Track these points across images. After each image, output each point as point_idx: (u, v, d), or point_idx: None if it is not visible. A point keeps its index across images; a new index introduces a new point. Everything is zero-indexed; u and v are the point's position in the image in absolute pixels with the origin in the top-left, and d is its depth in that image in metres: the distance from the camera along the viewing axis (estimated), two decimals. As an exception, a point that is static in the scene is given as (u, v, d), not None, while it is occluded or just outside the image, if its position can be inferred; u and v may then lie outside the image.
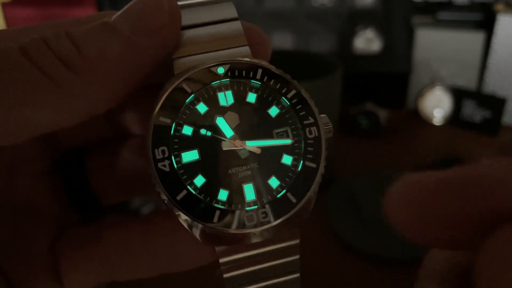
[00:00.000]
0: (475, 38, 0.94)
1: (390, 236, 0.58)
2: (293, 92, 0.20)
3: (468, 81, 0.96)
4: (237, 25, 0.21)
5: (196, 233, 0.19)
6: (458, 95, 0.92)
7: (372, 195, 0.66)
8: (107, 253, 0.20)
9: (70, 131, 0.22)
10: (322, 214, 0.62)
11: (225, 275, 0.20)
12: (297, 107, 0.20)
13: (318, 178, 0.19)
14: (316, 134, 0.20)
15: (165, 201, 0.18)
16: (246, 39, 0.21)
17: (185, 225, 0.18)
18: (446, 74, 0.96)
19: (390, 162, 0.79)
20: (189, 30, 0.20)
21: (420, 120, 0.95)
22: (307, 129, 0.20)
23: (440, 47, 0.96)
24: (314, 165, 0.19)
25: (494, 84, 0.93)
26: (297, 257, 0.20)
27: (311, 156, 0.19)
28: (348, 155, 0.78)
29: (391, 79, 1.01)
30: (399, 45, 0.97)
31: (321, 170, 0.19)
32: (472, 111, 0.91)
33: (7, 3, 0.71)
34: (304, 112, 0.20)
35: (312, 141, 0.20)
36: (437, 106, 0.93)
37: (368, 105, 0.89)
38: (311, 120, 0.20)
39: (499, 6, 0.93)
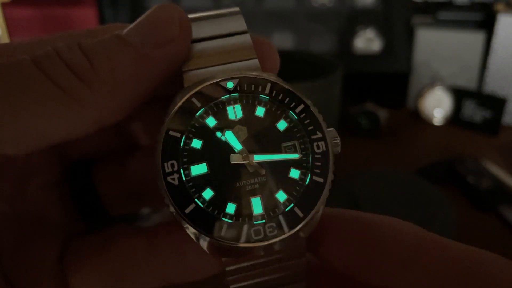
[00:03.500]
0: (475, 38, 0.94)
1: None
2: (301, 106, 0.20)
3: (468, 81, 0.96)
4: (246, 38, 0.21)
5: (204, 245, 0.19)
6: (458, 95, 0.92)
7: (372, 195, 0.66)
8: (114, 263, 0.21)
9: (79, 143, 0.23)
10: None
11: (232, 286, 0.20)
12: (305, 122, 0.20)
13: (325, 192, 0.19)
14: (324, 149, 0.20)
15: (174, 214, 0.18)
16: (255, 52, 0.21)
17: (193, 238, 0.19)
18: (446, 74, 0.96)
19: (390, 162, 0.79)
20: (199, 43, 0.21)
21: (420, 120, 0.94)
22: (315, 143, 0.20)
23: (440, 47, 0.96)
24: (321, 180, 0.19)
25: (494, 84, 0.93)
26: (303, 267, 0.20)
27: (318, 171, 0.19)
28: (348, 155, 0.78)
29: (391, 79, 1.01)
30: (399, 45, 0.97)
31: (329, 185, 0.19)
32: (472, 111, 0.91)
33: (7, 3, 0.71)
34: (312, 127, 0.20)
35: (319, 156, 0.20)
36: (437, 106, 0.93)
37: (368, 105, 0.89)
38: (319, 135, 0.20)
39: (499, 6, 0.93)
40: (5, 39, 0.72)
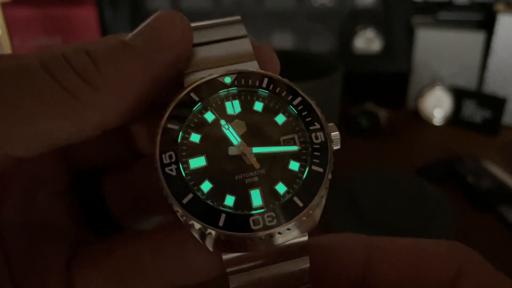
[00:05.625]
0: (475, 38, 0.94)
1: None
2: (299, 99, 0.20)
3: (468, 81, 0.96)
4: (246, 42, 0.22)
5: (202, 239, 0.18)
6: (458, 95, 0.92)
7: (372, 195, 0.66)
8: (120, 268, 0.21)
9: (86, 151, 0.24)
10: (322, 214, 0.62)
11: (232, 285, 0.19)
12: (303, 114, 0.20)
13: (325, 182, 0.19)
14: (323, 139, 0.20)
15: (172, 205, 0.18)
16: (255, 56, 0.21)
17: (192, 232, 0.18)
18: (446, 74, 0.96)
19: (390, 162, 0.79)
20: (200, 47, 0.21)
21: (420, 120, 0.94)
22: (313, 134, 0.20)
23: (440, 47, 0.96)
24: (321, 170, 0.19)
25: (494, 84, 0.93)
26: (307, 266, 0.20)
27: (317, 161, 0.19)
28: (348, 155, 0.78)
29: (391, 79, 1.01)
30: (399, 45, 0.97)
31: (328, 174, 0.19)
32: (472, 111, 0.91)
33: (7, 3, 0.71)
34: (310, 119, 0.20)
35: (318, 146, 0.20)
36: (437, 106, 0.93)
37: (368, 105, 0.89)
38: (317, 126, 0.20)
39: (499, 6, 0.93)
40: (5, 39, 0.72)
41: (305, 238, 0.19)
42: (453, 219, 0.61)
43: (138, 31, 0.19)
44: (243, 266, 0.19)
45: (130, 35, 0.19)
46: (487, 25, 0.95)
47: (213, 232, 0.18)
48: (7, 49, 0.72)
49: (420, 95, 0.95)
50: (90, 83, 0.17)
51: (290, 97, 0.20)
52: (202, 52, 0.21)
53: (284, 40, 0.99)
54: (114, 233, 0.23)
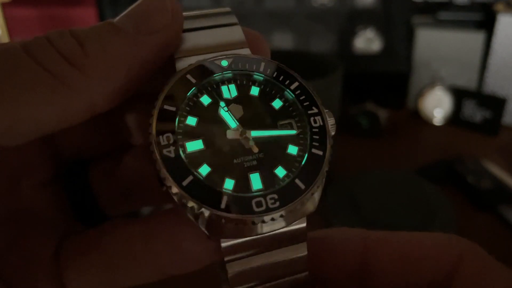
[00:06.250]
0: (475, 38, 0.94)
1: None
2: (296, 84, 0.21)
3: (468, 81, 0.96)
4: (237, 29, 0.21)
5: (202, 223, 0.18)
6: (458, 95, 0.92)
7: (372, 195, 0.66)
8: (109, 257, 0.20)
9: (72, 141, 0.23)
10: (322, 214, 0.62)
11: (230, 275, 0.19)
12: (301, 98, 0.20)
13: (325, 165, 0.19)
14: (321, 123, 0.20)
15: (170, 188, 0.17)
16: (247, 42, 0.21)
17: (191, 217, 0.18)
18: (446, 74, 0.96)
19: (390, 162, 0.79)
20: (191, 32, 0.21)
21: (420, 120, 0.95)
22: (312, 118, 0.20)
23: (440, 47, 0.96)
24: (320, 153, 0.19)
25: (494, 84, 0.93)
26: (305, 253, 0.20)
27: (317, 144, 0.19)
28: (348, 155, 0.78)
29: (391, 79, 1.01)
30: (399, 45, 0.97)
31: (328, 157, 0.19)
32: (472, 111, 0.91)
33: (7, 3, 0.71)
34: (308, 103, 0.20)
35: (317, 130, 0.20)
36: (437, 106, 0.93)
37: (368, 105, 0.89)
38: (315, 110, 0.20)
39: (499, 6, 0.93)
40: (5, 39, 0.72)
41: (304, 224, 0.19)
42: (453, 219, 0.61)
43: (127, 13, 0.18)
44: (242, 254, 0.19)
45: (119, 16, 0.18)
46: (487, 25, 0.95)
47: (214, 216, 0.17)
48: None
49: (420, 95, 0.95)
50: (76, 66, 0.17)
51: (287, 81, 0.20)
52: (193, 38, 0.21)
53: (284, 40, 1.00)
54: (102, 224, 0.22)
